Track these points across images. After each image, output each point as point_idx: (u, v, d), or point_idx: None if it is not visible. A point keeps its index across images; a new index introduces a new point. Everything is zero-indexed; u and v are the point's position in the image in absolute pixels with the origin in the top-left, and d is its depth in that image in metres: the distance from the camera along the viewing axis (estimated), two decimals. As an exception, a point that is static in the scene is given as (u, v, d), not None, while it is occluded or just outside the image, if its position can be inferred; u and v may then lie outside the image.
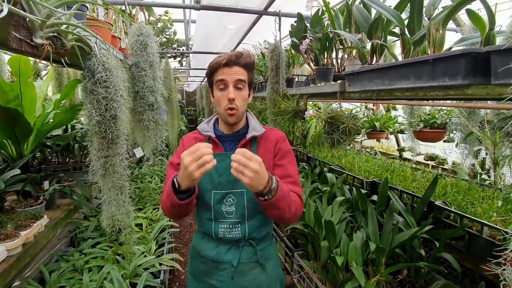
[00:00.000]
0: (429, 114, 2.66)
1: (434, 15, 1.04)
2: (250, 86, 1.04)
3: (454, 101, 1.75)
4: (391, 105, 3.69)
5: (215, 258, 1.05)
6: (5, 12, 0.55)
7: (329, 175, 2.34)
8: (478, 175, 2.67)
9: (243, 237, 1.03)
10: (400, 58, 1.24)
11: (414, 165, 2.94)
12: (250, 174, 0.77)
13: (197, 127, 1.12)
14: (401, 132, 3.75)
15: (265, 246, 1.09)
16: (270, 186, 0.83)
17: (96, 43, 1.05)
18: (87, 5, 1.27)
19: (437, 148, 3.94)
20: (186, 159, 0.78)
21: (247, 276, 1.04)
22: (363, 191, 1.93)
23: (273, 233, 1.18)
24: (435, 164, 3.67)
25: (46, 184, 1.58)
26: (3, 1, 0.57)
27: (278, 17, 2.19)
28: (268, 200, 0.84)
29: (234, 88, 0.98)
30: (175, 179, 0.86)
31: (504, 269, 0.65)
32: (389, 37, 1.46)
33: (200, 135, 1.10)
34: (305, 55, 2.05)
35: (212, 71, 1.00)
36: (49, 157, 2.03)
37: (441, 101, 1.70)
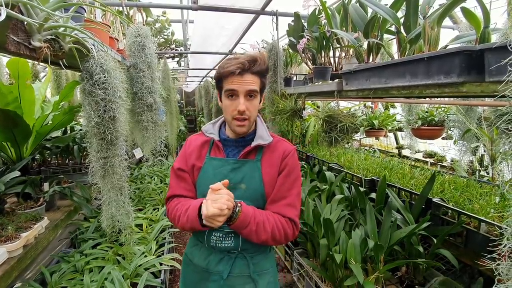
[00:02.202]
0: (427, 112, 2.67)
1: (429, 13, 1.05)
2: (262, 92, 0.97)
3: (452, 99, 1.76)
4: (389, 103, 3.70)
5: (206, 268, 1.00)
6: (3, 16, 0.56)
7: (328, 173, 2.35)
8: (477, 171, 2.69)
9: (235, 248, 0.99)
10: (396, 56, 1.24)
11: (413, 163, 2.95)
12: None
13: (202, 128, 1.08)
14: (400, 130, 3.75)
15: (259, 259, 1.03)
16: (232, 214, 0.86)
17: (94, 45, 1.06)
18: (85, 7, 1.28)
19: (436, 145, 3.95)
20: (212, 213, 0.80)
21: None
22: (362, 189, 1.94)
23: (271, 247, 1.10)
24: (434, 162, 3.68)
25: (46, 186, 1.59)
26: (1, 5, 0.57)
27: (275, 16, 2.19)
28: (231, 225, 0.88)
29: (246, 98, 0.91)
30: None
31: (498, 264, 0.66)
32: (385, 36, 1.46)
33: (204, 137, 1.06)
34: (303, 54, 2.06)
35: (221, 77, 0.93)
36: (49, 159, 2.04)
37: (439, 99, 1.71)
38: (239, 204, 0.88)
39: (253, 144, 0.98)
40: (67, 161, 2.05)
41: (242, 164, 0.99)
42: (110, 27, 1.87)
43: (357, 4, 1.49)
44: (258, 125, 1.04)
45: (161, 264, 1.74)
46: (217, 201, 0.80)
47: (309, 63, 2.10)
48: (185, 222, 0.92)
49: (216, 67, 0.99)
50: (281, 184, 0.98)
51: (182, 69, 6.05)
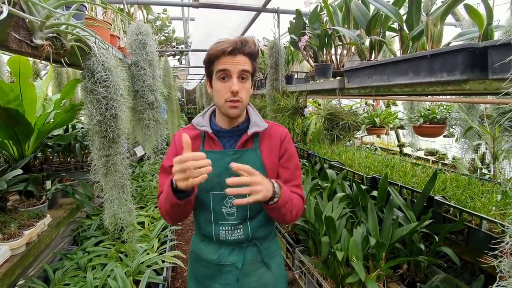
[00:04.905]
0: (428, 109, 2.66)
1: (432, 10, 1.04)
2: (252, 77, 0.95)
3: (454, 96, 1.75)
4: (391, 100, 3.69)
5: (218, 261, 0.99)
6: (5, 14, 0.56)
7: (329, 171, 2.35)
8: (478, 169, 2.68)
9: (246, 238, 0.99)
10: (398, 54, 1.24)
11: (414, 161, 2.95)
12: (260, 188, 0.78)
13: (192, 121, 1.02)
14: (401, 127, 3.75)
15: (268, 244, 1.06)
16: (274, 193, 0.83)
17: (95, 43, 1.05)
18: (86, 4, 1.28)
19: (438, 143, 3.94)
20: (175, 168, 0.73)
21: (252, 277, 1.00)
22: (363, 187, 1.94)
23: (275, 231, 1.15)
24: (435, 159, 3.68)
25: (48, 184, 1.59)
26: (3, 3, 0.57)
27: (276, 14, 2.18)
28: (272, 205, 0.84)
29: (239, 80, 0.89)
30: (173, 180, 0.80)
31: (500, 261, 0.67)
32: (387, 33, 1.46)
33: (194, 131, 1.00)
34: (304, 52, 2.05)
35: (212, 59, 0.89)
36: (51, 157, 2.04)
37: (441, 96, 1.70)
38: (275, 182, 0.86)
39: (250, 131, 0.95)
40: (69, 159, 2.05)
41: (242, 153, 0.96)
42: (111, 25, 1.86)
43: (359, 1, 1.48)
44: (250, 113, 1.01)
45: (163, 261, 1.75)
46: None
47: (310, 60, 2.09)
48: (163, 202, 0.89)
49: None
50: (286, 168, 1.01)
51: (183, 67, 6.05)
